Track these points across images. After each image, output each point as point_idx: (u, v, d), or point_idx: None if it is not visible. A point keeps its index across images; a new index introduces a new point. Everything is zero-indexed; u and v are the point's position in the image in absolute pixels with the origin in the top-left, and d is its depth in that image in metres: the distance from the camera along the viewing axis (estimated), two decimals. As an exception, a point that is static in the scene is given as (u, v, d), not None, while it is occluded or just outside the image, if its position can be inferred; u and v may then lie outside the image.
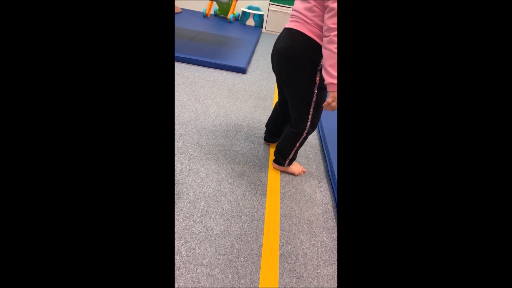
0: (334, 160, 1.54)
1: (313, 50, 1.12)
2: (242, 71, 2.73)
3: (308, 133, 1.34)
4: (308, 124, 1.30)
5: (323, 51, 1.06)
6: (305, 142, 1.81)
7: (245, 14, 4.88)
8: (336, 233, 1.22)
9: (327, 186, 1.47)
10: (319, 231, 1.21)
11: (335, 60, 1.02)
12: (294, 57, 1.17)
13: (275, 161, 1.48)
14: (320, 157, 1.70)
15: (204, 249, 1.04)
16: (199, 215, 1.17)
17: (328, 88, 1.08)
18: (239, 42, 3.55)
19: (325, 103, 1.11)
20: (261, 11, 4.91)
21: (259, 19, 4.87)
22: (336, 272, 1.06)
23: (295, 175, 1.50)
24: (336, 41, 1.00)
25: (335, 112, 2.10)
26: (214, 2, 4.88)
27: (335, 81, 1.04)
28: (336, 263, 1.09)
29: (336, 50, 1.01)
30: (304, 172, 1.52)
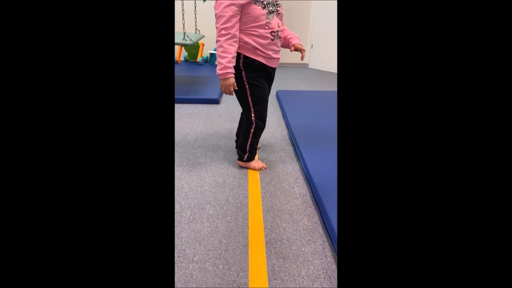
0: (307, 159, 1.66)
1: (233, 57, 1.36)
2: (216, 101, 2.91)
3: (257, 126, 1.53)
4: (253, 115, 1.50)
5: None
6: (280, 149, 1.93)
7: (213, 56, 5.22)
8: (316, 216, 1.31)
9: (304, 182, 1.58)
10: (300, 218, 1.30)
11: (219, 59, 1.30)
12: None
13: (238, 158, 1.69)
14: (295, 159, 1.82)
15: (194, 249, 1.11)
16: (186, 222, 1.24)
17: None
18: (210, 79, 3.79)
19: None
20: (228, 50, 5.25)
21: (227, 58, 5.19)
22: (320, 248, 1.13)
23: (256, 170, 1.67)
24: (217, 40, 1.28)
25: (303, 113, 2.26)
26: (183, 49, 5.23)
27: (219, 72, 1.31)
28: (319, 241, 1.17)
29: (218, 49, 1.29)
30: (265, 168, 1.70)
